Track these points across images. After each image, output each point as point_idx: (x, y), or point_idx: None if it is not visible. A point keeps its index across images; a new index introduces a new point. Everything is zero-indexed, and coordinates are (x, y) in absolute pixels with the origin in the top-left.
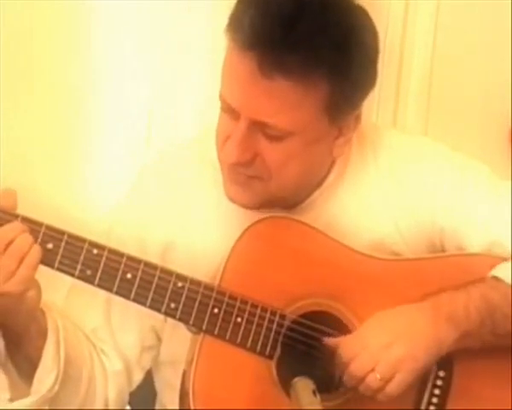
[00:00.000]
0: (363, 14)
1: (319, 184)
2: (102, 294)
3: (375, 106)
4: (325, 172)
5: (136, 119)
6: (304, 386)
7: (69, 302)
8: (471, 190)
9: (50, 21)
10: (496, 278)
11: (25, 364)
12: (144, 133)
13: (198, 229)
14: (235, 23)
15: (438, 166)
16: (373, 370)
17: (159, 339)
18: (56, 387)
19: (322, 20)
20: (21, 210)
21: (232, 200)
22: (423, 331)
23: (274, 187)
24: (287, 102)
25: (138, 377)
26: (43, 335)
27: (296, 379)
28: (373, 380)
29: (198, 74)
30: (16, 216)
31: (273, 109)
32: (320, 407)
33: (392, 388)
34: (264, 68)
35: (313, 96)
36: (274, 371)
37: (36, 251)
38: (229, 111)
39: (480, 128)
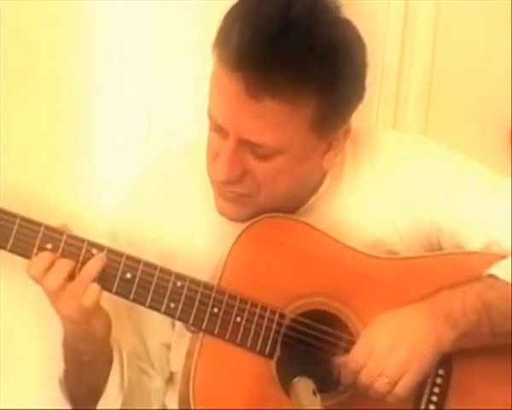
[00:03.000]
0: (349, 27)
1: (314, 190)
2: (123, 309)
3: (375, 106)
4: (319, 180)
5: (136, 119)
6: (304, 386)
7: None
8: (470, 189)
9: (50, 21)
10: (492, 276)
11: (83, 390)
12: (144, 133)
13: (196, 233)
14: (222, 41)
15: (436, 166)
16: (381, 374)
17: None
18: None
19: (309, 38)
20: (21, 210)
21: (222, 214)
22: (424, 332)
23: (263, 201)
24: (275, 122)
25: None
26: (109, 363)
27: (296, 379)
28: (381, 384)
29: (198, 74)
30: (16, 216)
31: (261, 129)
32: (320, 407)
33: (401, 389)
34: (252, 91)
35: (301, 113)
36: (274, 371)
37: (95, 287)
38: (218, 129)
39: (480, 128)
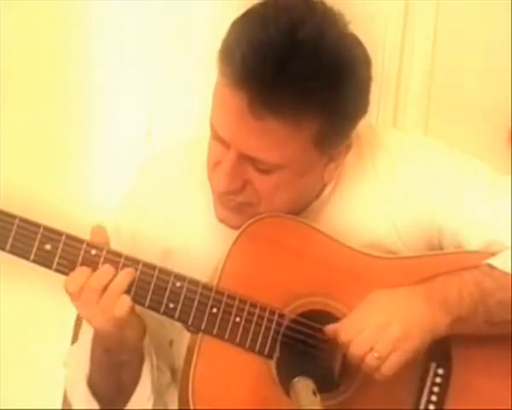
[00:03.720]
0: (355, 45)
1: (316, 196)
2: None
3: (375, 106)
4: (321, 187)
5: (136, 119)
6: (304, 386)
7: None
8: (470, 188)
9: (50, 22)
10: (490, 266)
11: (110, 389)
12: (144, 133)
13: (194, 233)
14: (226, 56)
15: (436, 165)
16: (371, 349)
17: None
18: None
19: (316, 62)
20: (20, 211)
21: (222, 221)
22: (419, 313)
23: (264, 211)
24: (276, 140)
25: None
26: (141, 363)
27: (296, 379)
28: (372, 359)
29: (198, 75)
30: (14, 217)
31: (263, 146)
32: (320, 407)
33: (388, 366)
34: (255, 109)
35: (303, 132)
36: (274, 371)
37: (126, 298)
38: (220, 140)
39: (480, 128)
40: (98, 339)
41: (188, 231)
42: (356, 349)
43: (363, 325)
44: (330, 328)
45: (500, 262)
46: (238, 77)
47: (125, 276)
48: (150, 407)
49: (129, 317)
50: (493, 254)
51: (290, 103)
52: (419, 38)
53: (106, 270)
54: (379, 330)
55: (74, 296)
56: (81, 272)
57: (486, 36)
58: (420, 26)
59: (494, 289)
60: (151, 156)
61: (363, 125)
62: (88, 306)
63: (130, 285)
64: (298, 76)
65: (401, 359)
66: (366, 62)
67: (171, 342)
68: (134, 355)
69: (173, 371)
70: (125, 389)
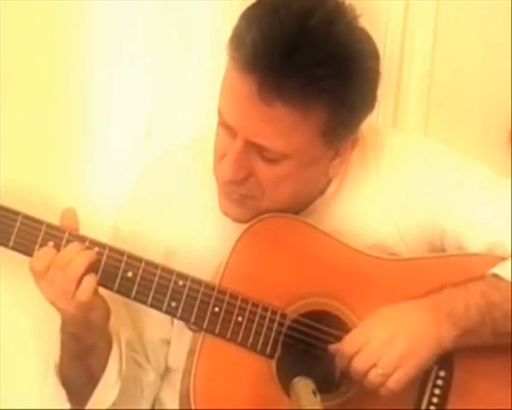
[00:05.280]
0: (365, 39)
1: (320, 193)
2: (120, 301)
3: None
4: (325, 184)
5: (136, 119)
6: (304, 386)
7: None
8: (471, 190)
9: (50, 21)
10: (496, 276)
11: (80, 377)
12: (144, 133)
13: (196, 232)
14: (237, 41)
15: (438, 167)
16: (375, 365)
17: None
18: (117, 401)
19: (325, 50)
20: (22, 209)
21: (225, 214)
22: (424, 328)
23: (266, 205)
24: (284, 127)
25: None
26: (108, 349)
27: (296, 379)
28: (375, 375)
29: (198, 75)
30: (17, 214)
31: (270, 133)
32: (320, 407)
33: (394, 383)
34: (264, 94)
35: (310, 121)
36: (274, 371)
37: (88, 282)
38: (227, 127)
39: (480, 128)
40: (65, 325)
41: (190, 231)
42: (359, 364)
43: (367, 340)
44: (334, 346)
45: (506, 273)
46: (248, 61)
47: (84, 257)
48: (116, 394)
49: (92, 299)
50: (494, 257)
51: (298, 89)
52: (419, 38)
53: (72, 247)
54: (383, 346)
55: (39, 276)
56: (47, 250)
57: (486, 36)
58: (420, 26)
59: (501, 301)
60: (154, 157)
61: (366, 127)
62: (52, 286)
63: (132, 282)
64: (306, 63)
65: (406, 375)
66: (375, 57)
67: (167, 342)
68: (101, 340)
69: (166, 370)
70: (94, 377)
